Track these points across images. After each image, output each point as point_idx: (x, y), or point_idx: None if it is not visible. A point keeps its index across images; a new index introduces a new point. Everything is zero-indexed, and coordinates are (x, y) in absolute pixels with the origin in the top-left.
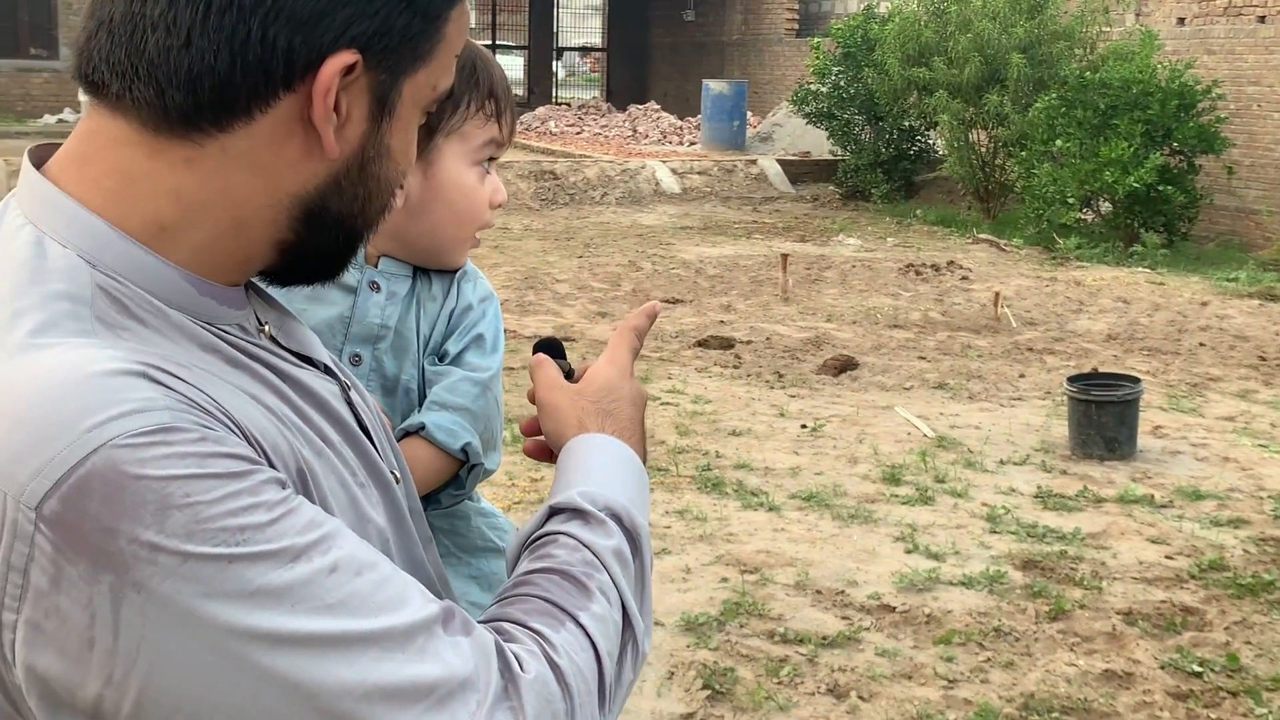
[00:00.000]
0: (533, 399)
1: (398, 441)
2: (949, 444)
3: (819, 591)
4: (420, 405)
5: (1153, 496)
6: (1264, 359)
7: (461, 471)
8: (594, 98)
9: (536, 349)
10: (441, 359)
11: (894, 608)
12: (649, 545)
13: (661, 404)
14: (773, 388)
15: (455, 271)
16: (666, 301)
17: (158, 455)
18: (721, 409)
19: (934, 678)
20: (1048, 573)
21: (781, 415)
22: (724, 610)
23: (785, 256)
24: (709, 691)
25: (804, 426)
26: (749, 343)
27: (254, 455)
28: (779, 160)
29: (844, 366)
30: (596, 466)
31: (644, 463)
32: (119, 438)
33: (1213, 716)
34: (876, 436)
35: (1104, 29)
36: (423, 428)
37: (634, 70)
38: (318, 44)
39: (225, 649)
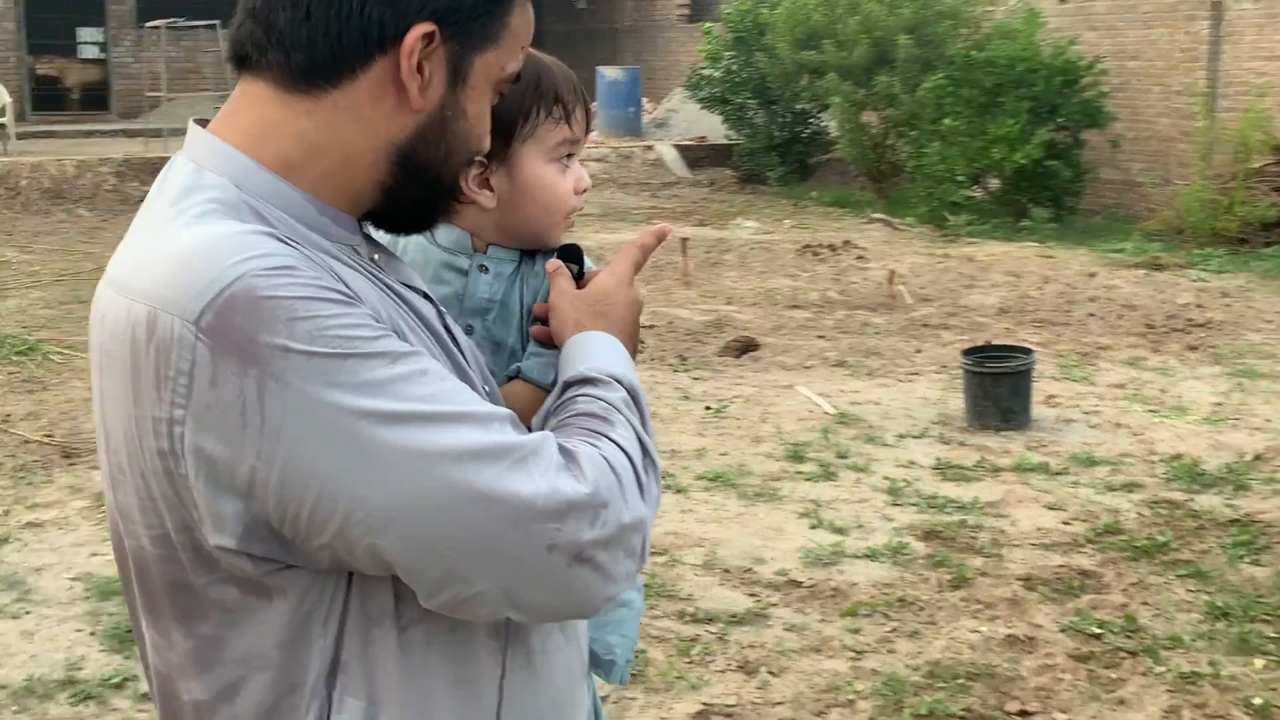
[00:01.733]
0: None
1: (498, 388)
2: (850, 420)
3: (727, 570)
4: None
5: (1048, 464)
6: (1151, 327)
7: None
8: None
9: (557, 254)
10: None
11: (801, 583)
12: (646, 398)
13: None
14: (676, 371)
15: (554, 251)
16: None
17: (285, 282)
18: None
19: (841, 650)
20: (949, 542)
21: (686, 398)
22: None
23: (685, 240)
24: None
25: (708, 408)
26: (651, 327)
27: (361, 299)
28: (676, 146)
29: (746, 348)
30: (594, 352)
31: (634, 359)
32: (254, 270)
33: (1113, 676)
34: (779, 415)
35: (988, 8)
36: (519, 371)
37: None
38: (403, 15)
39: (343, 425)
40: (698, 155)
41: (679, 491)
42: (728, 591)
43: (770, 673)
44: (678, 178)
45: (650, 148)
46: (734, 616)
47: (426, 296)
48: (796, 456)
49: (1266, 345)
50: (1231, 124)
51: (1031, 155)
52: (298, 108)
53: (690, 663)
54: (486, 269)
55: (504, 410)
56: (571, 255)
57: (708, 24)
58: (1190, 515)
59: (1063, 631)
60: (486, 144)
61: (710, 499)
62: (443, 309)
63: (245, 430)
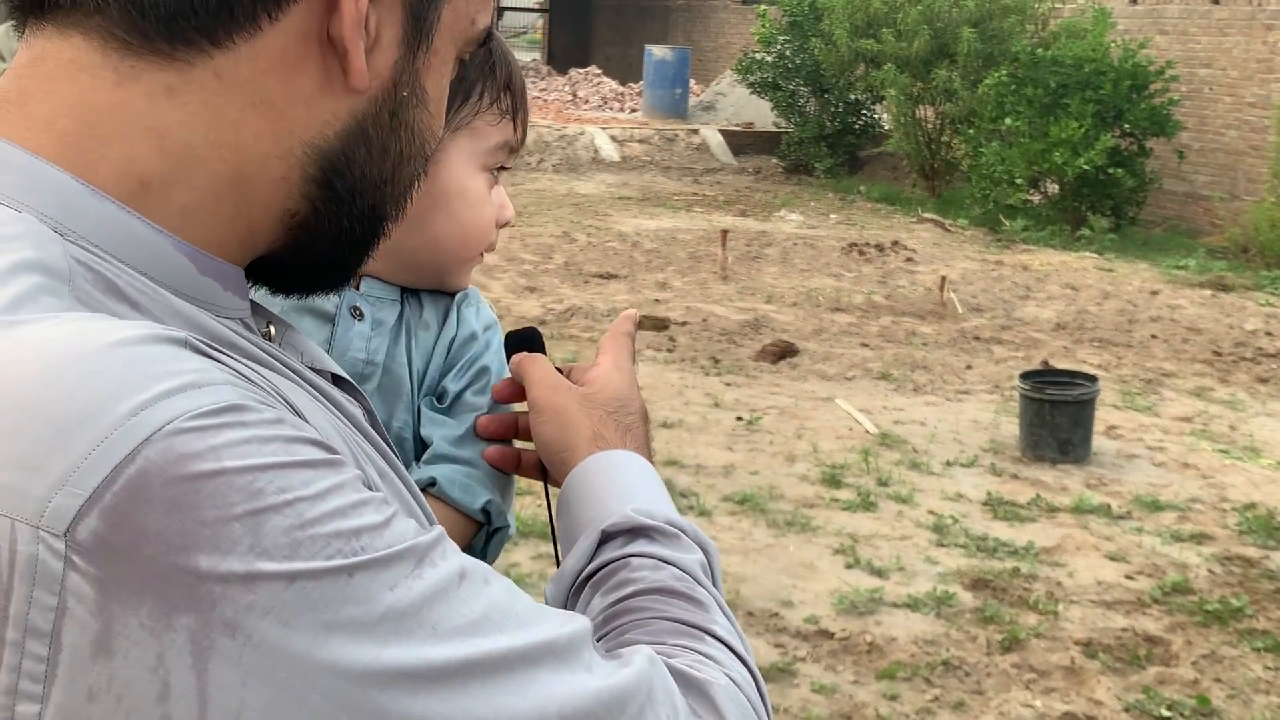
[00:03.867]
0: (508, 398)
1: None
2: (893, 441)
3: (751, 614)
4: (416, 457)
5: (1109, 506)
6: (1219, 354)
7: (478, 538)
8: (534, 60)
9: (512, 343)
10: (439, 399)
11: (832, 634)
12: (719, 563)
13: None
14: (708, 374)
15: (452, 295)
16: (600, 277)
17: (235, 440)
18: (653, 397)
19: (875, 719)
20: (999, 594)
21: (716, 405)
22: None
23: (725, 232)
24: None
25: (740, 419)
26: (684, 324)
27: (334, 446)
28: (721, 131)
29: (783, 353)
30: (635, 483)
31: None
32: (179, 419)
33: None
34: (816, 431)
35: (1056, 5)
36: (433, 483)
37: (576, 33)
38: None
39: (363, 701)
40: (743, 141)
41: (702, 514)
42: (751, 639)
43: None
44: (722, 164)
45: (695, 131)
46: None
47: (339, 381)
48: (833, 481)
49: None
50: None
51: (1094, 161)
52: (150, 83)
53: None
54: (362, 313)
55: (581, 621)
56: (531, 344)
57: (762, 6)
58: (1267, 576)
59: (1127, 711)
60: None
61: (737, 525)
62: (365, 399)
63: None
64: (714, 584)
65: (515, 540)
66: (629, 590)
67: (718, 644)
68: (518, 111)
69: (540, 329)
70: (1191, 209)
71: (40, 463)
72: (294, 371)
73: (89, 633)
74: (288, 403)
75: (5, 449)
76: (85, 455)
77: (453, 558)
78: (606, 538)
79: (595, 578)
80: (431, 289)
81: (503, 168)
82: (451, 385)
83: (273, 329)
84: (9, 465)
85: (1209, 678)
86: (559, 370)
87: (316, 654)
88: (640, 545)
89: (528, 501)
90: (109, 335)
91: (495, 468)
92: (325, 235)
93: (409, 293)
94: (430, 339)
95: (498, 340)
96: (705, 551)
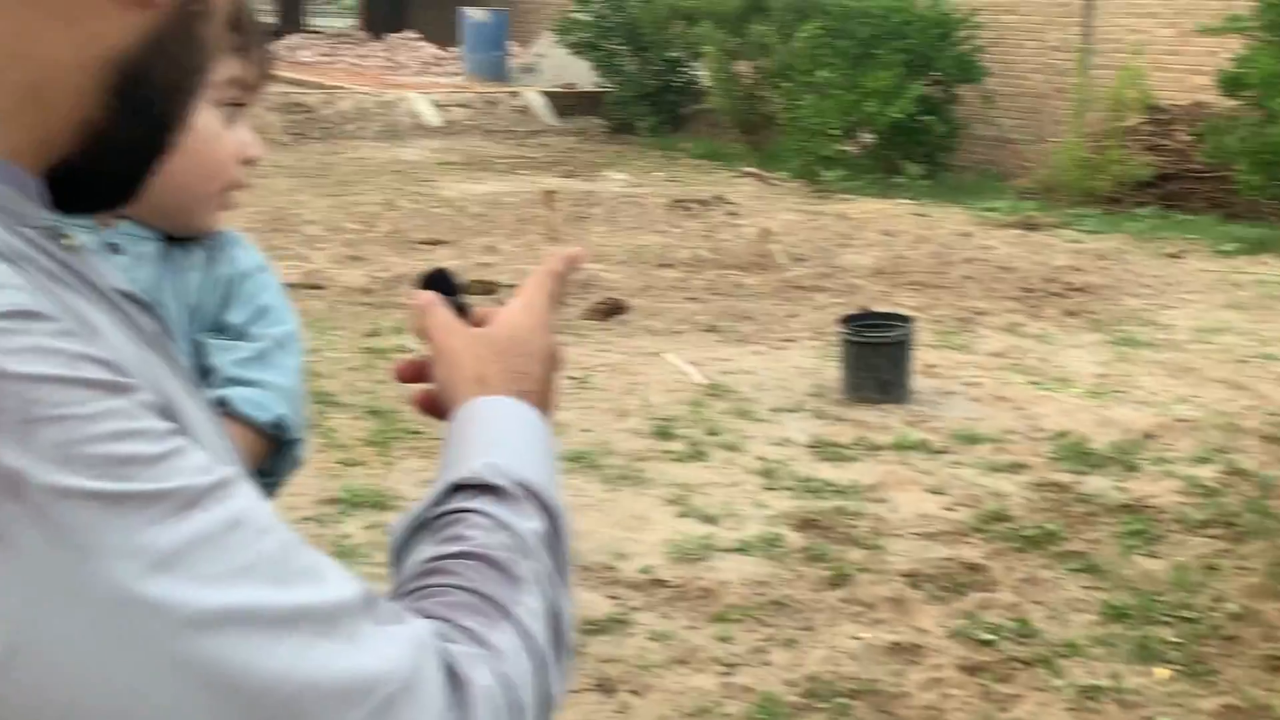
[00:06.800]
0: (409, 378)
1: None
2: (721, 392)
3: (586, 567)
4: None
5: (928, 442)
6: (1028, 291)
7: (266, 460)
8: (350, 26)
9: (424, 284)
10: (222, 332)
11: (667, 582)
12: (569, 529)
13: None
14: None
15: (208, 238)
16: (426, 243)
17: (19, 347)
18: None
19: (711, 663)
20: (826, 532)
21: None
22: None
23: (551, 193)
24: None
25: (571, 377)
26: (513, 287)
27: (124, 369)
28: (544, 93)
29: (612, 310)
30: (504, 434)
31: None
32: None
33: (1007, 692)
34: (647, 386)
35: None
36: (223, 403)
37: None
38: None
39: (113, 625)
40: (566, 103)
41: None
42: (586, 594)
43: (631, 692)
44: (545, 126)
45: (517, 94)
46: (592, 624)
47: (133, 299)
48: (664, 433)
49: (1145, 311)
50: (1105, 81)
51: (905, 110)
52: None
53: None
54: (119, 248)
55: (357, 589)
56: (444, 285)
57: None
58: (1080, 500)
59: (951, 638)
60: None
61: (570, 483)
62: (161, 317)
63: None
64: (557, 553)
65: (346, 511)
66: (454, 549)
67: (511, 631)
68: (250, 49)
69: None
70: (1001, 152)
71: None
72: (94, 287)
73: None
74: (84, 319)
75: None
76: None
77: (230, 503)
78: (457, 488)
79: (434, 524)
80: (181, 233)
81: (240, 103)
82: (234, 318)
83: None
84: None
85: (1028, 600)
86: (464, 308)
87: (75, 573)
88: (483, 502)
89: (358, 473)
90: None
91: (422, 411)
92: (119, 146)
93: (170, 238)
94: (199, 276)
95: (274, 281)
96: (553, 518)
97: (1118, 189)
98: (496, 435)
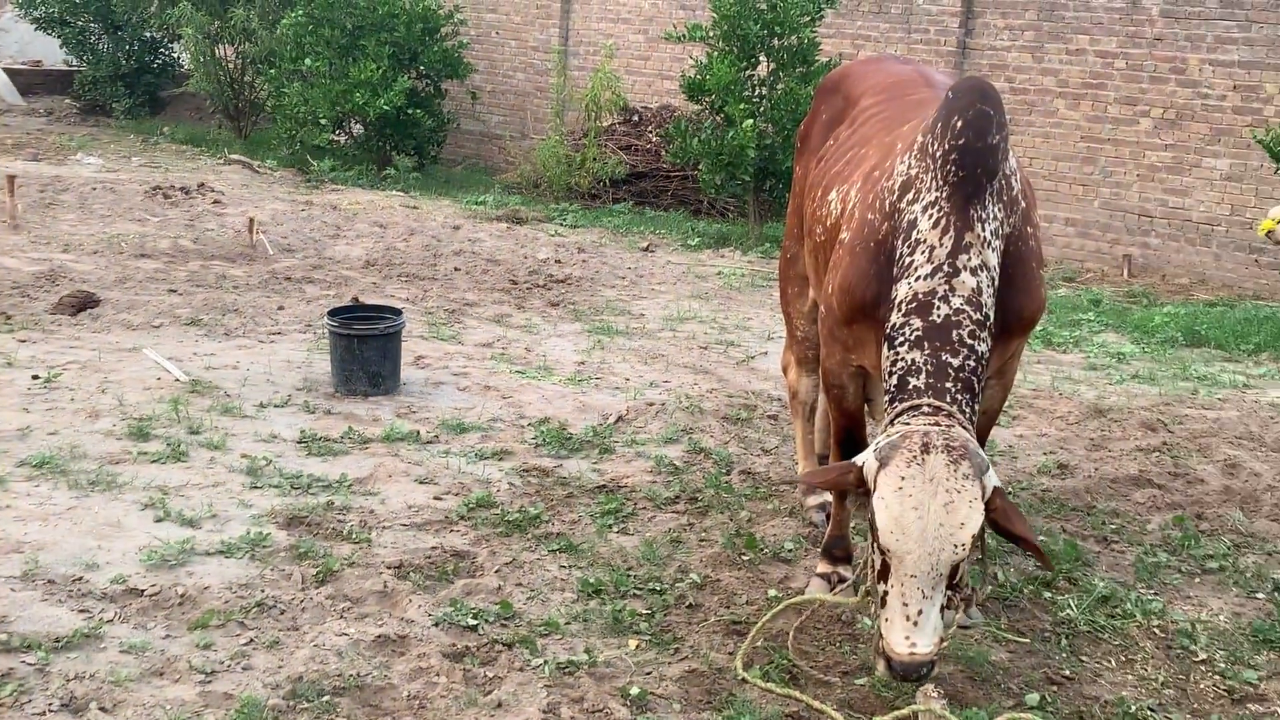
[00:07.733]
0: None
1: None
2: (204, 388)
3: (51, 581)
4: None
5: (419, 432)
6: (515, 282)
7: None
8: None
9: None
10: None
11: (142, 591)
12: None
13: None
14: None
15: None
16: None
17: None
18: None
19: (189, 672)
20: (314, 529)
21: (9, 365)
22: None
23: (13, 179)
24: None
25: (35, 377)
26: None
27: None
28: (6, 69)
29: (83, 304)
30: None
31: None
32: None
33: (490, 675)
34: (122, 384)
35: None
36: None
37: None
38: None
39: None
40: (32, 81)
41: None
42: (51, 609)
43: (102, 709)
44: (9, 105)
45: None
46: (58, 641)
47: None
48: (141, 434)
49: (620, 301)
50: (583, 82)
51: (394, 102)
52: None
53: (0, 705)
54: None
55: None
56: None
57: None
58: (560, 483)
59: (436, 626)
60: None
61: (34, 491)
62: None
63: None
64: None
65: None
66: None
67: None
68: None
69: None
70: (488, 147)
71: None
72: None
73: None
74: None
75: None
76: None
77: None
78: None
79: None
80: None
81: None
82: None
83: None
84: None
85: (511, 583)
86: None
87: None
88: None
89: None
90: None
91: None
92: None
93: None
94: None
95: None
96: None
97: (596, 185)
98: None
